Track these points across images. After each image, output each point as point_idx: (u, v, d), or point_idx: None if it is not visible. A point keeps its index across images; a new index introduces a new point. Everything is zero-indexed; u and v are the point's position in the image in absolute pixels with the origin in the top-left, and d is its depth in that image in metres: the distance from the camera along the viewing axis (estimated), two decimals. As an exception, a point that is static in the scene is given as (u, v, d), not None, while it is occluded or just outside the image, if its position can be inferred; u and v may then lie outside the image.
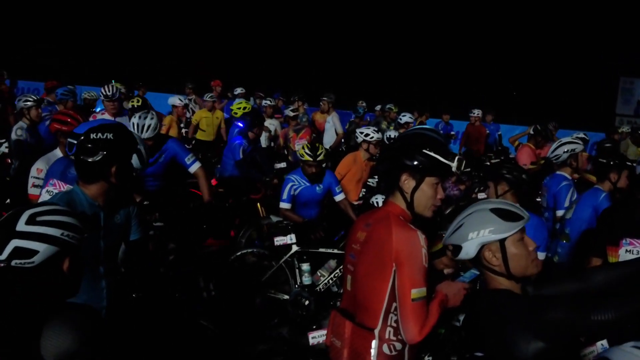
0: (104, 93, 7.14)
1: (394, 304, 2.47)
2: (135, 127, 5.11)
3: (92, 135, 2.81)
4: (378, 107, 13.25)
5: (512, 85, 22.39)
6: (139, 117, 5.19)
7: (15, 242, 1.97)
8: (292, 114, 11.03)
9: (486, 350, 2.30)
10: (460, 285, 2.61)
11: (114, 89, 7.13)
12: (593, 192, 4.64)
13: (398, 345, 2.50)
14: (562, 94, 21.23)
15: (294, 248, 5.58)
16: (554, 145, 5.54)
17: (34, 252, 1.99)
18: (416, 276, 2.41)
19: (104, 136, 2.81)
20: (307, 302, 5.44)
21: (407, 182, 2.56)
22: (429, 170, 2.53)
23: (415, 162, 2.53)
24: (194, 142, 10.13)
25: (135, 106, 7.78)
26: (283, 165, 8.01)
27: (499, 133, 12.03)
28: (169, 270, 5.34)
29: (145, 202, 4.76)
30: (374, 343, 2.52)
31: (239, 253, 5.77)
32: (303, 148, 5.91)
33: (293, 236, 5.53)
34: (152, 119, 5.19)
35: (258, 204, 7.02)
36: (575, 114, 16.78)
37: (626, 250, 3.60)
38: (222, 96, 12.83)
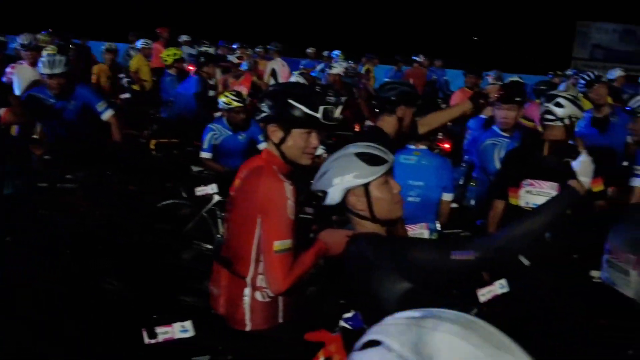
0: (22, 42, 7.03)
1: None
2: (46, 63, 5.09)
3: None
4: (325, 53, 13.03)
5: (470, 30, 22.29)
6: (48, 55, 5.27)
7: None
8: (237, 60, 10.65)
9: (355, 296, 2.27)
10: (343, 232, 2.56)
11: (32, 37, 6.97)
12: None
13: (271, 292, 2.47)
14: (517, 38, 21.26)
15: (216, 198, 5.46)
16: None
17: None
18: (280, 228, 2.38)
19: None
20: None
21: (275, 133, 2.49)
22: (294, 122, 2.44)
23: (280, 114, 2.45)
24: (128, 94, 8.89)
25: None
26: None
27: (445, 78, 11.88)
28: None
29: (46, 157, 4.59)
30: (246, 290, 2.52)
31: (162, 203, 5.65)
32: (227, 95, 5.74)
33: (215, 186, 5.39)
34: (61, 56, 5.21)
35: None
36: (531, 58, 16.81)
37: (526, 191, 3.59)
38: (169, 44, 12.30)
